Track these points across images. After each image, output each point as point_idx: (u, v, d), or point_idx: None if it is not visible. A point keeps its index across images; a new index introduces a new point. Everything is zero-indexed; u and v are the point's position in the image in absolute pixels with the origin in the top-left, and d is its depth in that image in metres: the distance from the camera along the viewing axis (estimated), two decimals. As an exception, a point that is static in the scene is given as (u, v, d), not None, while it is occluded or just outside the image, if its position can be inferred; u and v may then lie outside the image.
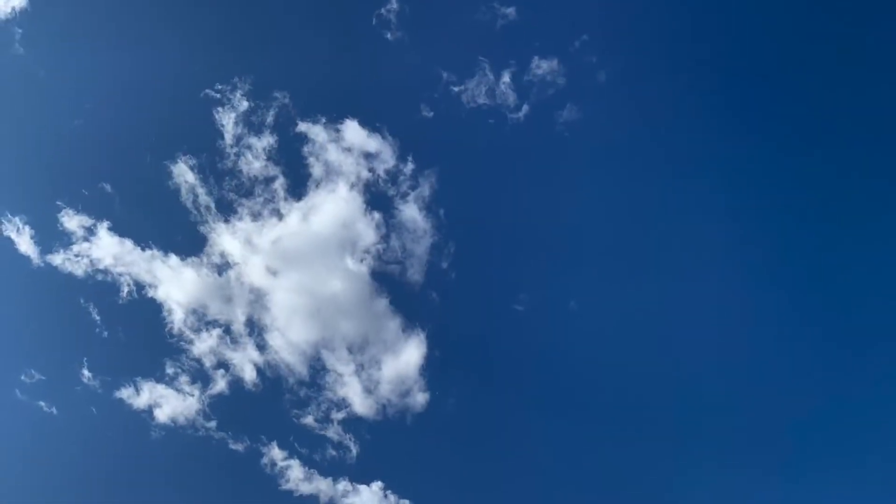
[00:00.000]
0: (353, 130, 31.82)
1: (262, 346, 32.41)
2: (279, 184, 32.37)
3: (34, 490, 31.83)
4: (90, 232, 32.08)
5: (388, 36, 32.42)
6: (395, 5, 32.39)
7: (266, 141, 32.06)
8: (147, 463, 32.58)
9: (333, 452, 31.46)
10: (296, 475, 31.05)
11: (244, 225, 31.84)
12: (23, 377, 31.90)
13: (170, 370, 32.42)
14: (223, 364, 32.28)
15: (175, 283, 32.16)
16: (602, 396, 32.83)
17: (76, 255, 31.93)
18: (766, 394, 31.86)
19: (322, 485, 30.92)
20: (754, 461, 31.37)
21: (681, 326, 32.96)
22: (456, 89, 32.61)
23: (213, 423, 31.95)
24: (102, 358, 32.81)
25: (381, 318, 32.56)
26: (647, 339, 32.80)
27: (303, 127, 32.15)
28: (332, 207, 32.01)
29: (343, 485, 30.88)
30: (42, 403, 31.91)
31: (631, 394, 32.41)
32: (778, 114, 33.20)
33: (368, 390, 32.17)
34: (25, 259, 32.10)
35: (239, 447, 31.63)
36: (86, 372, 32.22)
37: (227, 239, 31.91)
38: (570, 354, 32.99)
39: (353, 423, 31.78)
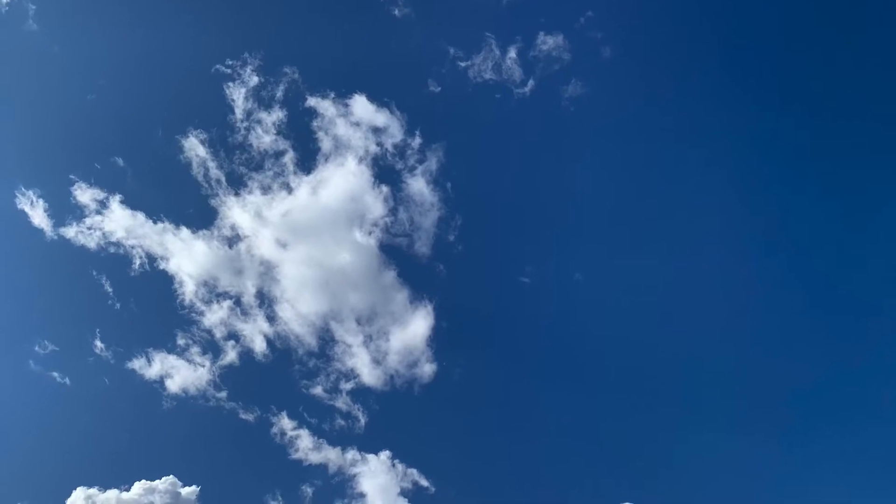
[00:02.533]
0: (361, 105, 32.29)
1: (271, 318, 32.93)
2: (289, 158, 32.87)
3: (47, 459, 32.35)
4: (102, 205, 32.60)
5: (396, 12, 32.91)
6: (402, -18, 32.92)
7: (276, 115, 32.56)
8: (158, 432, 33.07)
9: (342, 422, 31.97)
10: (305, 445, 31.54)
11: (254, 198, 32.35)
12: (36, 348, 32.43)
13: (181, 341, 32.93)
14: (234, 335, 32.80)
15: (186, 256, 32.66)
16: (606, 367, 33.33)
17: (89, 228, 32.44)
18: (767, 363, 32.36)
19: (331, 454, 31.41)
20: (754, 429, 31.87)
21: (683, 298, 33.45)
22: (463, 65, 33.09)
23: (223, 394, 32.46)
24: (115, 329, 33.32)
25: (388, 290, 33.06)
26: (651, 311, 33.30)
27: (312, 102, 32.64)
28: (341, 181, 32.50)
29: (351, 454, 31.38)
30: (55, 374, 32.43)
31: (634, 364, 32.91)
32: (780, 91, 33.70)
33: (376, 361, 32.67)
34: (39, 232, 32.60)
35: (249, 417, 32.14)
36: (98, 343, 32.74)
37: (237, 212, 32.42)
38: (575, 325, 33.49)
39: (362, 393, 32.29)
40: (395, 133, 32.67)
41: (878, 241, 32.29)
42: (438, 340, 32.82)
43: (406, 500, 30.90)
